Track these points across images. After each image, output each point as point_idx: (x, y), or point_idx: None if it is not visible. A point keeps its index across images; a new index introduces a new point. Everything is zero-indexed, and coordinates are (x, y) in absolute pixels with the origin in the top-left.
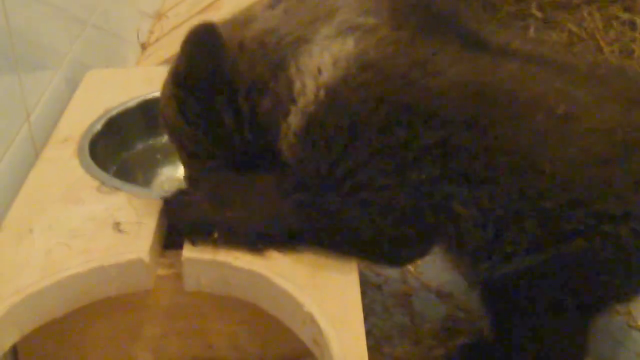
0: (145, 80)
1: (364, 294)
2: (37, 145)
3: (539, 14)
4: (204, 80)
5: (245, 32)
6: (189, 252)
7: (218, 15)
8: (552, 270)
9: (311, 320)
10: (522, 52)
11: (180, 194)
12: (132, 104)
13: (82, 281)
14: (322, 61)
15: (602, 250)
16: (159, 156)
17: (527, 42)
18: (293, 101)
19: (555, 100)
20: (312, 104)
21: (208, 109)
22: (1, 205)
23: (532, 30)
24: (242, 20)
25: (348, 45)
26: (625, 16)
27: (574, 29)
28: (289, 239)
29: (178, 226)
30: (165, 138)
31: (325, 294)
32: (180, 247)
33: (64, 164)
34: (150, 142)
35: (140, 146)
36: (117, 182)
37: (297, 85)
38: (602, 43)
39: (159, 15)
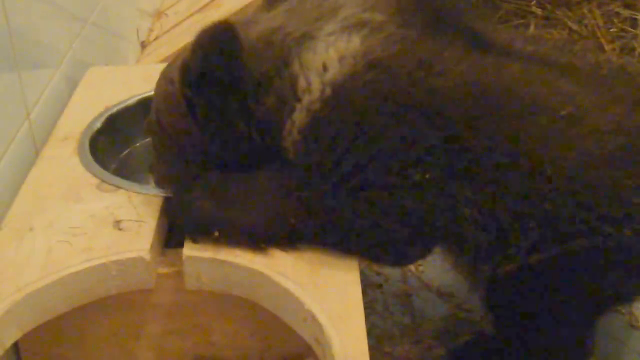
0: (145, 78)
1: (364, 293)
2: (38, 144)
3: (539, 12)
4: (218, 82)
5: (250, 32)
6: (189, 250)
7: (218, 13)
8: (555, 271)
9: (312, 319)
10: (525, 52)
11: (181, 192)
12: (132, 101)
13: (82, 279)
14: (328, 58)
15: (605, 251)
16: None
17: (530, 42)
18: (297, 99)
19: (558, 102)
20: (318, 101)
21: (220, 111)
22: (2, 203)
23: (532, 27)
24: (244, 21)
25: (354, 43)
26: (626, 13)
27: (574, 26)
28: (290, 238)
29: (179, 224)
30: None
31: (326, 292)
32: (181, 245)
33: (64, 162)
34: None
35: (140, 144)
36: (117, 180)
37: (302, 82)
38: (602, 40)
39: (158, 14)
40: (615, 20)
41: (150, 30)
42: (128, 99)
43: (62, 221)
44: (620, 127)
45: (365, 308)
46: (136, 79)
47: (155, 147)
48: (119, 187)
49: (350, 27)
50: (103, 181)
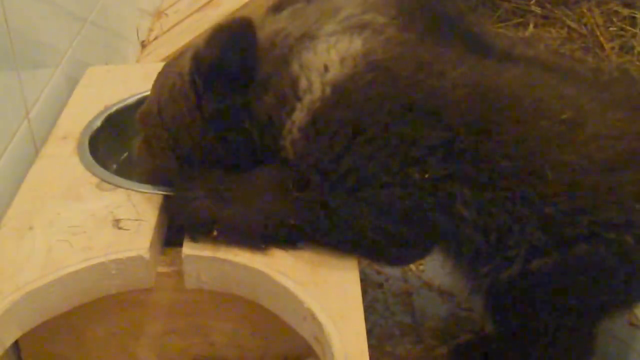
0: (145, 76)
1: (365, 292)
2: (37, 143)
3: (538, 11)
4: (230, 76)
5: (258, 33)
6: (189, 249)
7: (217, 12)
8: (556, 276)
9: (312, 317)
10: (526, 56)
11: (180, 190)
12: (131, 100)
13: (82, 278)
14: (329, 59)
15: (605, 256)
16: None
17: (531, 47)
18: (298, 98)
19: (559, 106)
20: (318, 101)
21: (227, 105)
22: (1, 202)
23: (531, 26)
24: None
25: (356, 44)
26: (625, 12)
27: (574, 25)
28: (289, 237)
29: (178, 223)
30: None
31: (325, 290)
32: (180, 244)
33: (63, 161)
34: None
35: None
36: (117, 179)
37: (303, 82)
38: (602, 39)
39: (158, 13)
40: (615, 19)
41: (150, 29)
42: (128, 98)
43: (61, 220)
44: (621, 132)
45: (366, 307)
46: (136, 78)
47: (148, 139)
48: (118, 186)
49: (351, 29)
50: (103, 180)
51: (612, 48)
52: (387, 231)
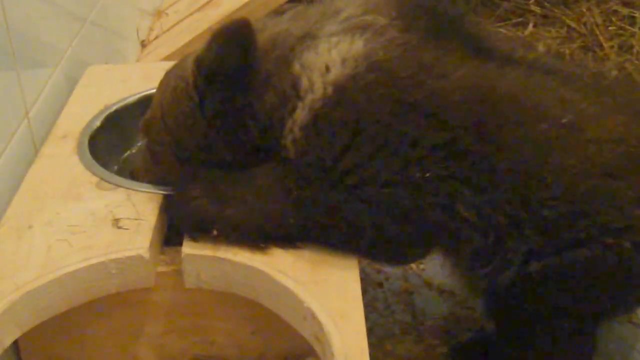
0: (145, 76)
1: (365, 291)
2: (37, 142)
3: (537, 10)
4: (231, 77)
5: (258, 38)
6: (189, 248)
7: (217, 12)
8: (554, 278)
9: (312, 316)
10: (527, 60)
11: (180, 190)
12: (131, 100)
13: (81, 278)
14: (330, 59)
15: (604, 261)
16: None
17: (532, 50)
18: (300, 98)
19: (559, 110)
20: (320, 100)
21: (229, 106)
22: (1, 201)
23: (530, 26)
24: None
25: (357, 45)
26: (625, 11)
27: (573, 24)
28: (289, 236)
29: (178, 222)
30: None
31: (325, 290)
32: (180, 243)
33: (63, 160)
34: None
35: (140, 142)
36: (116, 179)
37: (304, 82)
38: (601, 38)
39: (158, 13)
40: (614, 18)
41: (150, 29)
42: (127, 97)
43: (61, 220)
44: (621, 136)
45: (366, 306)
46: (135, 78)
47: (151, 146)
48: (118, 186)
49: (353, 30)
50: (102, 179)
51: (612, 47)
52: (388, 230)
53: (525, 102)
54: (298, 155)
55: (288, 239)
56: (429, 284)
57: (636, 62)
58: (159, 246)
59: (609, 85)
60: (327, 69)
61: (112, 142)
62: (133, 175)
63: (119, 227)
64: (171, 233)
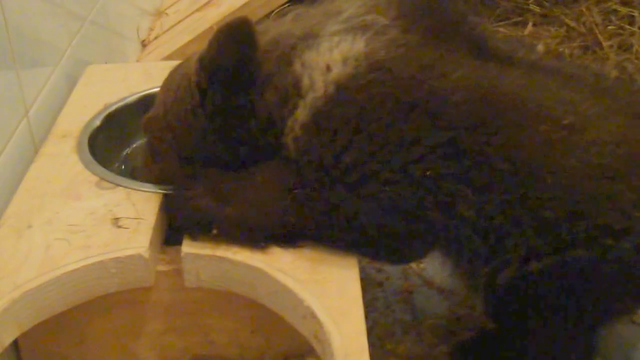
0: (145, 75)
1: (365, 290)
2: (36, 141)
3: (537, 9)
4: (231, 75)
5: (261, 37)
6: (188, 247)
7: (217, 12)
8: (553, 278)
9: (311, 315)
10: (528, 61)
11: (179, 189)
12: (131, 99)
13: (81, 277)
14: (332, 59)
15: (604, 262)
16: None
17: (533, 51)
18: (301, 96)
19: (560, 111)
20: (321, 98)
21: (230, 105)
22: (0, 200)
23: (530, 25)
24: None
25: (358, 45)
26: (624, 10)
27: (572, 24)
28: (289, 235)
29: (177, 221)
30: None
31: (325, 288)
32: (180, 242)
33: (63, 159)
34: None
35: (141, 141)
36: (116, 178)
37: (305, 80)
38: (600, 38)
39: (158, 13)
40: (613, 18)
41: (151, 29)
42: (127, 97)
43: (60, 219)
44: (622, 138)
45: (367, 306)
46: (135, 77)
47: (152, 144)
48: (118, 185)
49: (354, 29)
50: (102, 179)
51: (611, 46)
52: (388, 229)
53: (525, 102)
54: (299, 154)
55: (288, 237)
56: (429, 284)
57: (636, 61)
58: (158, 245)
59: (609, 87)
60: (329, 68)
61: (112, 141)
62: (134, 173)
63: (119, 227)
64: (171, 232)
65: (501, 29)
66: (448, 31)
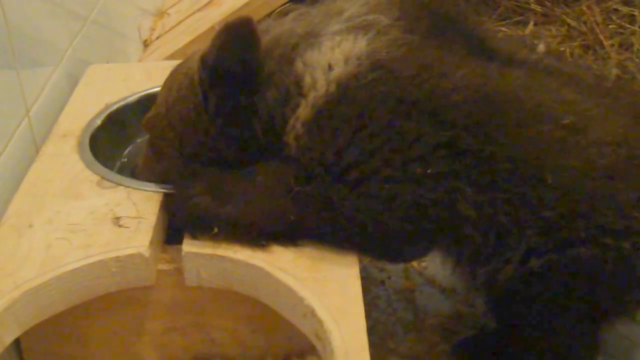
0: (146, 74)
1: (367, 289)
2: (37, 140)
3: (538, 9)
4: (233, 74)
5: (263, 37)
6: (188, 246)
7: (219, 12)
8: (553, 276)
9: (312, 314)
10: (529, 61)
11: (180, 187)
12: (132, 99)
13: (81, 276)
14: (333, 58)
15: (604, 261)
16: None
17: (534, 51)
18: (303, 95)
19: (561, 110)
20: (323, 97)
21: (232, 103)
22: (1, 200)
23: (531, 25)
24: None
25: (360, 44)
26: (625, 10)
27: (573, 23)
28: (289, 233)
29: (178, 220)
30: None
31: (326, 287)
32: (181, 241)
33: (64, 159)
34: None
35: (141, 140)
36: (117, 177)
37: (307, 79)
38: (601, 37)
39: (160, 13)
40: (614, 17)
41: (152, 29)
42: (128, 96)
43: (61, 218)
44: (623, 138)
45: (368, 305)
46: (136, 77)
47: (154, 143)
48: (118, 184)
49: (356, 29)
50: (103, 178)
51: (612, 45)
52: (388, 227)
53: (526, 102)
54: (300, 152)
55: (288, 236)
56: (431, 282)
57: (636, 60)
58: (159, 244)
59: (611, 87)
60: (330, 67)
61: (113, 141)
62: (135, 172)
63: (120, 226)
64: (172, 231)
65: (502, 29)
66: (449, 31)
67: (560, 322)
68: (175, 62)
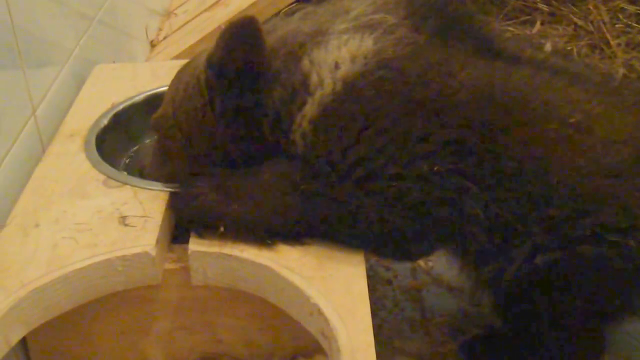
0: (153, 74)
1: (374, 288)
2: (44, 140)
3: (545, 8)
4: (239, 73)
5: (269, 39)
6: (195, 245)
7: (226, 12)
8: (559, 272)
9: (318, 312)
10: (535, 60)
11: (186, 186)
12: (139, 98)
13: (88, 275)
14: (340, 56)
15: (609, 258)
16: None
17: (541, 51)
18: (309, 93)
19: (567, 109)
20: (329, 95)
21: (238, 103)
22: (8, 199)
23: (538, 24)
24: (264, 29)
25: (367, 43)
26: (632, 9)
27: (580, 22)
28: (296, 232)
29: (184, 219)
30: None
31: (332, 285)
32: (188, 241)
33: (70, 158)
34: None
35: (149, 140)
36: (123, 176)
37: (314, 77)
38: (608, 36)
39: (167, 13)
40: (621, 16)
41: (159, 29)
42: (135, 96)
43: (67, 217)
44: (629, 137)
45: (375, 304)
46: (143, 76)
47: (161, 143)
48: (125, 183)
49: (362, 28)
50: (109, 177)
51: (619, 45)
52: (394, 225)
53: (532, 101)
54: (306, 150)
55: (295, 234)
56: (437, 281)
57: None
58: (165, 243)
59: (617, 86)
60: (337, 65)
61: (120, 140)
62: (142, 172)
63: (126, 225)
64: (179, 230)
65: (509, 28)
66: (456, 30)
67: (566, 321)
68: (181, 62)
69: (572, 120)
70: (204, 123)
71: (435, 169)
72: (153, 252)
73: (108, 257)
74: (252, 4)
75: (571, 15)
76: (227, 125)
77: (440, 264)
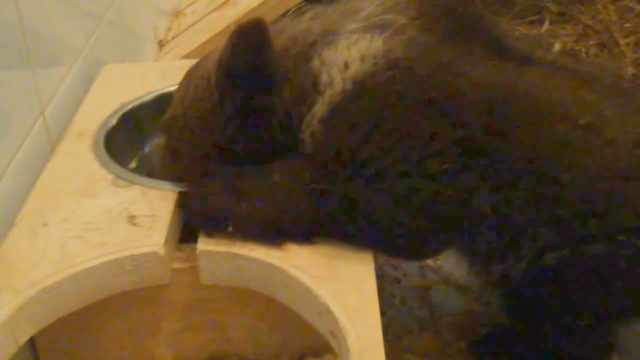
0: (161, 74)
1: (382, 287)
2: (53, 140)
3: (553, 8)
4: (248, 74)
5: (278, 39)
6: (204, 244)
7: (235, 11)
8: (567, 271)
9: (327, 312)
10: (546, 60)
11: (195, 186)
12: (148, 98)
13: (96, 275)
14: (349, 56)
15: (618, 258)
16: None
17: (551, 52)
18: (319, 92)
19: (578, 110)
20: (339, 94)
21: (249, 104)
22: (16, 199)
23: (546, 23)
24: (273, 31)
25: (376, 43)
26: None
27: (589, 22)
28: (304, 231)
29: (193, 218)
30: None
31: (341, 285)
32: (196, 240)
33: (79, 158)
34: None
35: (156, 140)
36: (131, 176)
37: (324, 77)
38: (616, 36)
39: (176, 13)
40: (629, 16)
41: (168, 29)
42: (144, 96)
43: (76, 217)
44: (639, 139)
45: (384, 303)
46: (152, 76)
47: (171, 145)
48: (133, 183)
49: (372, 28)
50: (118, 177)
51: (627, 44)
52: (404, 223)
53: (543, 102)
54: (316, 149)
55: (304, 233)
56: (446, 280)
57: None
58: (174, 243)
59: (628, 87)
60: (347, 65)
61: (128, 140)
62: (150, 174)
63: (134, 224)
64: (188, 230)
65: (518, 27)
66: (466, 31)
67: (575, 320)
68: (189, 62)
69: (582, 121)
70: (214, 124)
71: (445, 167)
72: (162, 252)
73: (117, 256)
74: (262, 3)
75: (580, 15)
76: (237, 126)
77: (449, 263)
